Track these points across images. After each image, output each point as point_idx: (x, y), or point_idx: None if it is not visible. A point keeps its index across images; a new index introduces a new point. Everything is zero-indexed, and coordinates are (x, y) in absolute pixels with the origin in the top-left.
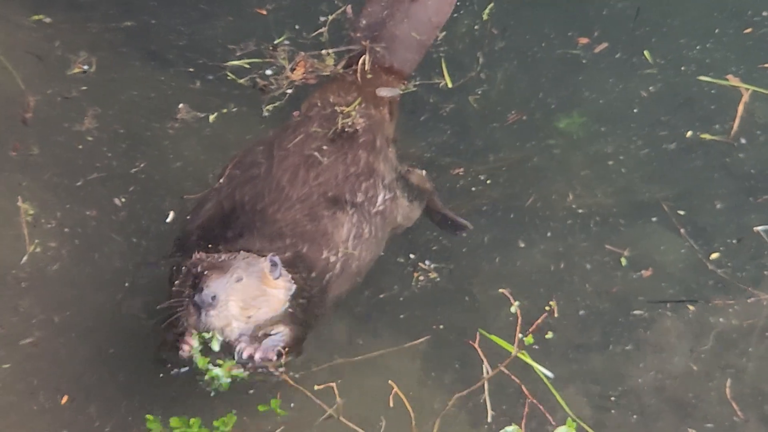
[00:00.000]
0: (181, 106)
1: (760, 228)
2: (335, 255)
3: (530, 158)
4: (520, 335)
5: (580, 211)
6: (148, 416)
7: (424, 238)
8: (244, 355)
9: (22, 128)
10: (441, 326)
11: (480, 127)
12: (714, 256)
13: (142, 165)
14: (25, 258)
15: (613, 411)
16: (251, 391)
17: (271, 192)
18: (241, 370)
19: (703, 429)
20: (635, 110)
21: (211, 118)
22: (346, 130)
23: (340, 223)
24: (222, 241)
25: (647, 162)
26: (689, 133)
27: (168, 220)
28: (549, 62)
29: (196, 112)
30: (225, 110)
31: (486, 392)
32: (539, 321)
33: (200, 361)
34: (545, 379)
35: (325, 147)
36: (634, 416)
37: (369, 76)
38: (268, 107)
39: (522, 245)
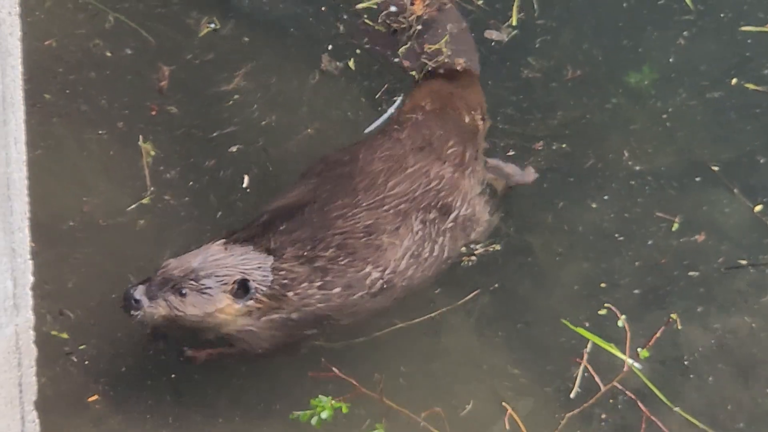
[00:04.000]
0: (330, 47)
1: None
2: (380, 272)
3: (585, 116)
4: (639, 349)
5: (637, 168)
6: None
7: None
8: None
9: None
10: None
11: (540, 87)
12: (758, 208)
13: (274, 117)
14: (133, 206)
15: (691, 376)
16: None
17: (345, 196)
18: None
19: None
20: (671, 59)
21: (351, 63)
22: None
23: (400, 239)
24: (273, 232)
25: (692, 115)
26: (734, 81)
27: (244, 185)
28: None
29: (337, 61)
30: (359, 50)
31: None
32: (657, 335)
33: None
34: (657, 392)
35: (411, 156)
36: (710, 378)
37: (457, 88)
38: (401, 50)
39: (582, 207)
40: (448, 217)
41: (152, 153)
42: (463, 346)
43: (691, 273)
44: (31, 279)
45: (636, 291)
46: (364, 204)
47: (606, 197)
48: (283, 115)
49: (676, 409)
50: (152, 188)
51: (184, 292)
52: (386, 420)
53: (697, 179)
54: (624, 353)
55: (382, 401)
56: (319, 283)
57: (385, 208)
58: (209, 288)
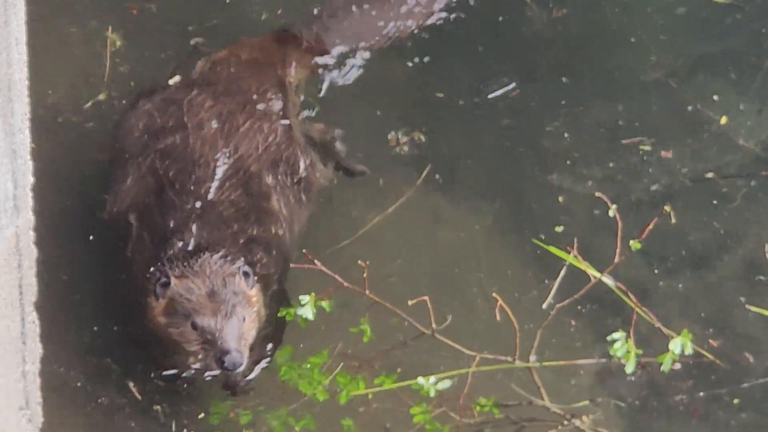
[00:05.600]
0: None
1: None
2: (282, 227)
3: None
4: (631, 241)
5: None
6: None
7: None
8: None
9: None
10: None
11: None
12: (723, 120)
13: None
14: (89, 104)
15: (660, 284)
16: None
17: (197, 167)
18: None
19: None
20: None
21: None
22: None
23: (268, 196)
24: (166, 233)
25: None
26: None
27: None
28: None
29: None
30: None
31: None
32: (650, 227)
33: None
34: (629, 301)
35: (239, 115)
36: (680, 285)
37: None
38: None
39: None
40: (298, 168)
41: (117, 44)
42: (440, 244)
43: (653, 187)
44: (31, 180)
45: (596, 212)
46: (221, 174)
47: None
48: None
49: (654, 322)
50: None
51: (243, 316)
52: (370, 315)
53: (660, 93)
54: (616, 244)
55: (366, 294)
56: (259, 255)
57: (242, 173)
58: (241, 293)
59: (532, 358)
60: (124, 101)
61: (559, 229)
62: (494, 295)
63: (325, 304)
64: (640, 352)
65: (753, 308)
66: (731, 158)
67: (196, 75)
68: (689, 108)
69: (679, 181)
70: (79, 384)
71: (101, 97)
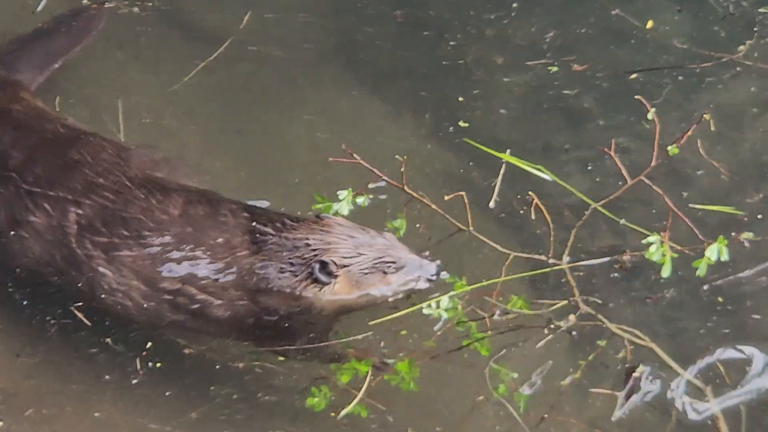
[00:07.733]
0: None
1: None
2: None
3: None
4: (669, 147)
5: None
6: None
7: None
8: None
9: None
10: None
11: None
12: (650, 25)
13: None
14: None
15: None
16: None
17: (127, 207)
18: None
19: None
20: None
21: None
22: None
23: (185, 181)
24: (230, 264)
25: None
26: None
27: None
28: None
29: None
30: None
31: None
32: (689, 132)
33: None
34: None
35: (71, 156)
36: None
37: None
38: None
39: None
40: (153, 154)
41: None
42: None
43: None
44: None
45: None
46: (143, 196)
47: None
48: None
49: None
50: None
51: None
52: (407, 210)
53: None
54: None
55: (404, 189)
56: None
57: (150, 184)
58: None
59: (566, 258)
60: None
61: (464, 124)
62: (530, 193)
63: (361, 199)
64: (676, 255)
65: (697, 206)
66: (660, 59)
67: None
68: (614, 12)
69: (595, 86)
70: None
71: None
